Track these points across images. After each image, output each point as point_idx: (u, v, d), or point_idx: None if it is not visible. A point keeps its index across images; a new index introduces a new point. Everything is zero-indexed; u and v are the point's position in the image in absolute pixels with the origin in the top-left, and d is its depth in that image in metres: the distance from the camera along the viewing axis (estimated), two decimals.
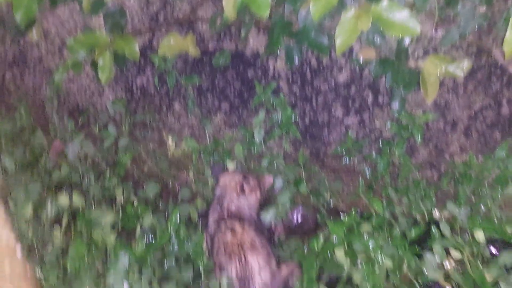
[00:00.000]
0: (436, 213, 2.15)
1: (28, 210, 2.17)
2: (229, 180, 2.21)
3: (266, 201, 2.47)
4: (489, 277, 1.78)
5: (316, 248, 2.07)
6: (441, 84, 2.06)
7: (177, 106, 2.73)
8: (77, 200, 2.30)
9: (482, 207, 2.11)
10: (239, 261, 1.90)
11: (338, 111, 2.32)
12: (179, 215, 2.23)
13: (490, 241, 1.94)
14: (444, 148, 2.21)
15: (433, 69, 1.88)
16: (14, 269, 1.93)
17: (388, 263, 1.90)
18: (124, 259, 1.81)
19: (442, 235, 1.93)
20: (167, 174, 2.78)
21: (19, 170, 2.63)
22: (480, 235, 1.89)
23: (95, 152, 2.74)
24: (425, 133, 2.21)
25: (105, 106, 2.89)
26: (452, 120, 2.15)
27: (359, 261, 1.90)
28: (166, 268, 2.07)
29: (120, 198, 2.47)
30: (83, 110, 3.00)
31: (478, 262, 1.86)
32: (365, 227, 2.03)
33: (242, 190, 2.17)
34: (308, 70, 2.30)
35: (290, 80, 2.37)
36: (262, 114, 2.46)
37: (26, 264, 1.98)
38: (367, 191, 2.38)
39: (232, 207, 2.13)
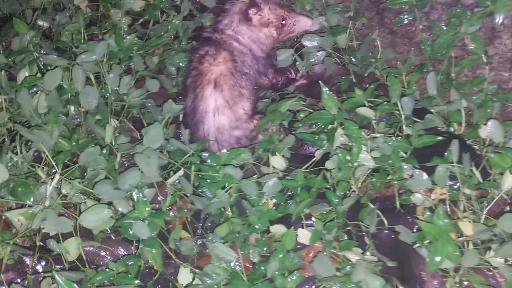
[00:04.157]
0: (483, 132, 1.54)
1: None
2: (239, 0, 1.77)
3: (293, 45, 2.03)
4: None
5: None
6: None
7: None
8: None
9: None
10: (194, 93, 1.64)
11: None
12: None
13: None
14: None
15: None
16: None
17: (368, 163, 1.47)
18: None
19: None
20: None
21: None
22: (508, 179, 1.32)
23: None
24: None
25: None
26: None
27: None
28: None
29: None
30: None
31: None
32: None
33: (247, 18, 1.73)
34: None
35: None
36: None
37: None
38: (415, 70, 1.77)
39: (228, 30, 1.75)
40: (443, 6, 1.63)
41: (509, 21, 1.46)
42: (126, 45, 1.89)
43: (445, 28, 1.63)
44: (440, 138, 1.45)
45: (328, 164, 1.55)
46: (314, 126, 1.77)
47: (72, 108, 1.72)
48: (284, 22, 1.78)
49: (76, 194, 1.45)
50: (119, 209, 1.39)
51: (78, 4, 2.15)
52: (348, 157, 1.48)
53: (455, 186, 1.43)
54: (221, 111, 1.62)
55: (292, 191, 1.52)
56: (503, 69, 1.57)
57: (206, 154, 1.52)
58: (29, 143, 1.53)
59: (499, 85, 1.61)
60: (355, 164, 1.48)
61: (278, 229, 1.41)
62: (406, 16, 1.74)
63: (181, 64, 1.94)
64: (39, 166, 1.48)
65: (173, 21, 2.01)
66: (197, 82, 1.63)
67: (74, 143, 1.53)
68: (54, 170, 1.48)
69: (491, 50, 1.57)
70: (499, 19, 1.42)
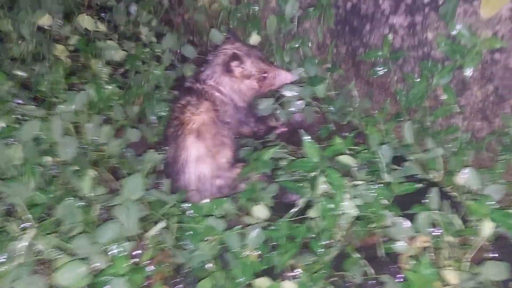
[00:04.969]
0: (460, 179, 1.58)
1: None
2: (222, 52, 1.82)
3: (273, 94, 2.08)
4: None
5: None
6: None
7: None
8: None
9: None
10: (175, 143, 1.63)
11: (386, 4, 1.67)
12: None
13: (497, 239, 1.39)
14: (507, 95, 1.50)
15: None
16: None
17: (351, 211, 1.48)
18: None
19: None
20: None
21: None
22: (487, 226, 1.34)
23: None
24: (486, 68, 1.50)
25: None
26: None
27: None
28: None
29: None
30: None
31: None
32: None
33: (229, 70, 1.77)
34: None
35: None
36: None
37: None
38: (392, 119, 1.83)
39: (209, 81, 1.78)
40: (415, 59, 1.70)
41: (478, 74, 1.53)
42: (106, 95, 1.89)
43: (418, 80, 1.70)
44: (420, 185, 1.47)
45: (312, 213, 1.54)
46: (296, 173, 1.78)
47: (49, 158, 1.68)
48: (265, 75, 1.82)
49: (51, 249, 1.38)
50: (97, 264, 1.33)
51: (58, 54, 2.16)
52: (331, 205, 1.48)
53: (437, 233, 1.44)
54: (203, 160, 1.62)
55: (276, 241, 1.50)
56: (475, 119, 1.63)
57: (188, 205, 1.49)
58: (3, 196, 1.47)
59: (473, 134, 1.66)
60: (339, 212, 1.48)
61: (262, 283, 1.38)
62: (381, 69, 1.81)
63: (162, 114, 1.94)
64: (13, 220, 1.42)
65: (155, 71, 2.03)
66: (179, 131, 1.63)
67: (50, 195, 1.48)
68: (28, 223, 1.42)
69: (462, 101, 1.64)
70: (468, 72, 1.49)
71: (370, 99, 1.95)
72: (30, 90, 2.06)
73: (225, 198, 1.53)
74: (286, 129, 2.09)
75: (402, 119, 1.81)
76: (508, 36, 1.39)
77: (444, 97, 1.64)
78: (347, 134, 1.97)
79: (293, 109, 2.02)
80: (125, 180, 1.48)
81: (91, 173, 1.65)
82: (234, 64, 1.77)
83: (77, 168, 1.66)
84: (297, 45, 2.04)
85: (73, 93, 1.80)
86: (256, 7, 2.16)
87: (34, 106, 1.77)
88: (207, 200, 1.53)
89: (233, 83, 1.80)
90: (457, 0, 1.35)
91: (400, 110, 1.82)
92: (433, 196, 1.39)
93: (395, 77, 1.80)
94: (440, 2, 1.50)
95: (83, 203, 1.51)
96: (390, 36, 1.71)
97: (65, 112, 1.72)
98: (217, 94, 1.77)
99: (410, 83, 1.74)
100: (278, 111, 2.03)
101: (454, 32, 1.47)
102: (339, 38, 1.95)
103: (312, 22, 2.01)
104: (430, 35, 1.60)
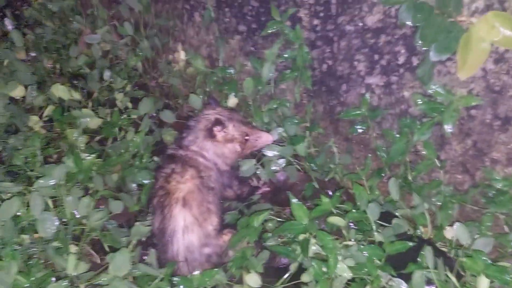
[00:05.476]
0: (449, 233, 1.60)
1: None
2: (204, 118, 1.82)
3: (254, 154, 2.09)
4: None
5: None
6: (500, 59, 1.38)
7: (197, 17, 2.34)
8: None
9: None
10: (162, 213, 1.59)
11: (361, 65, 1.74)
12: None
13: None
14: (485, 149, 1.56)
15: (486, 31, 1.23)
16: None
17: (345, 274, 1.45)
18: None
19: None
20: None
21: None
22: (483, 283, 1.34)
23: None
24: (463, 124, 1.57)
25: None
26: (504, 114, 1.47)
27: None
28: None
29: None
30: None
31: None
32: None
33: (212, 135, 1.77)
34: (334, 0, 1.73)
35: (313, 10, 1.81)
36: (276, 47, 1.97)
37: None
38: (374, 175, 1.86)
39: (192, 147, 1.77)
40: (393, 117, 1.76)
41: (456, 129, 1.59)
42: (85, 167, 1.84)
43: (398, 136, 1.74)
44: (411, 244, 1.47)
45: (304, 278, 1.51)
46: (285, 235, 1.75)
47: (27, 236, 1.60)
48: (247, 138, 1.84)
49: None
50: None
51: (33, 125, 2.11)
52: (325, 269, 1.46)
53: None
54: (191, 229, 1.57)
55: None
56: (456, 172, 1.68)
57: (178, 279, 1.43)
58: None
59: (455, 187, 1.70)
60: (332, 275, 1.46)
61: None
62: (359, 127, 1.84)
63: (144, 181, 1.90)
64: None
65: (134, 138, 2.01)
66: (165, 201, 1.59)
67: (32, 278, 1.39)
68: None
69: (442, 155, 1.68)
70: (448, 128, 1.54)
71: (350, 155, 1.98)
72: (4, 164, 1.98)
73: (215, 269, 1.48)
74: (269, 189, 2.09)
75: (384, 174, 1.84)
76: (483, 94, 1.46)
77: (424, 152, 1.69)
78: (331, 191, 2.00)
79: (275, 168, 2.03)
80: (111, 256, 1.42)
81: (73, 249, 1.58)
82: (216, 129, 1.77)
83: (58, 244, 1.58)
84: (275, 106, 2.07)
85: (51, 166, 1.74)
86: (232, 70, 2.20)
87: (10, 183, 1.69)
88: (197, 272, 1.47)
89: (216, 148, 1.80)
90: (432, 62, 1.41)
91: (382, 165, 1.85)
92: (426, 254, 1.39)
93: (374, 134, 1.85)
94: (414, 63, 1.57)
95: (67, 284, 1.42)
96: (368, 96, 1.76)
97: (44, 187, 1.65)
98: (200, 159, 1.75)
99: (390, 140, 1.78)
100: (260, 171, 2.02)
101: (430, 91, 1.53)
102: (316, 98, 2.00)
103: (289, 84, 2.06)
104: (406, 93, 1.67)
